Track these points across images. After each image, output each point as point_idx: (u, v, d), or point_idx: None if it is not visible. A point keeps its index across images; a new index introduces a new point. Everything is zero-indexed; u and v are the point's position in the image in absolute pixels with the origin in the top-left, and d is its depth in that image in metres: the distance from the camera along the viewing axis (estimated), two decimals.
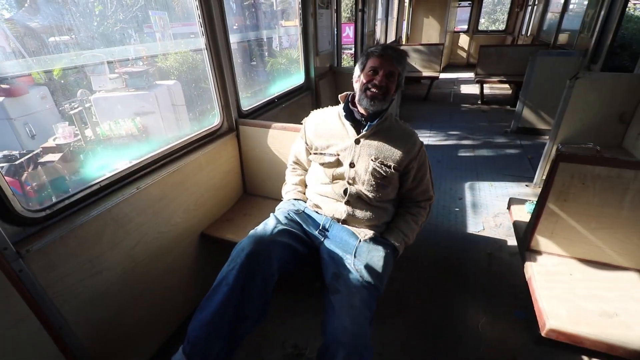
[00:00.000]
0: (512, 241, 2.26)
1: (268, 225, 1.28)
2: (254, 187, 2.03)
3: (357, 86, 1.33)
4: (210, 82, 1.73)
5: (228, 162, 1.87)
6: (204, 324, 1.06)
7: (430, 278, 2.00)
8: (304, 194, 1.52)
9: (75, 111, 3.87)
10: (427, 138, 4.18)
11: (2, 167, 3.38)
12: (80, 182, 1.23)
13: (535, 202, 1.78)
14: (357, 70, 1.33)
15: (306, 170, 1.55)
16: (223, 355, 1.07)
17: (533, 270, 1.39)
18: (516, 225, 1.74)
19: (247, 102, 2.13)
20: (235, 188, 1.97)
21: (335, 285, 1.16)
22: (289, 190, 1.55)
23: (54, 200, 1.12)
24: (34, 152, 3.59)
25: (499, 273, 2.02)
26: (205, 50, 1.65)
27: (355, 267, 1.21)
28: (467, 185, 3.00)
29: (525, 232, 1.54)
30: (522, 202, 1.87)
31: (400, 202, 1.47)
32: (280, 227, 1.27)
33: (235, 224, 1.79)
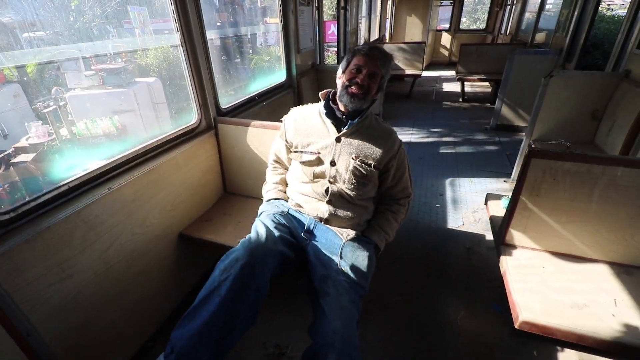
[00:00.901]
0: (490, 235, 2.32)
1: (260, 233, 1.25)
2: (234, 186, 2.00)
3: (339, 82, 1.32)
4: (186, 80, 1.69)
5: (207, 161, 1.84)
6: (192, 334, 1.02)
7: (412, 274, 2.03)
8: (285, 192, 1.51)
9: (49, 109, 3.73)
10: (410, 135, 4.23)
11: None
12: (55, 183, 1.18)
13: (510, 197, 1.84)
14: (341, 67, 1.32)
15: (287, 169, 1.54)
16: None
17: (507, 264, 1.43)
18: (492, 220, 1.78)
19: (229, 100, 2.10)
20: (214, 187, 1.94)
21: (325, 288, 1.15)
22: (269, 190, 1.54)
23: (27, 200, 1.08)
24: (6, 153, 3.45)
25: (477, 267, 2.06)
26: (181, 47, 1.61)
27: (342, 268, 1.21)
28: (447, 181, 3.05)
29: (500, 226, 1.57)
30: (498, 197, 1.92)
31: (379, 199, 1.48)
32: (272, 234, 1.25)
33: (215, 223, 1.77)
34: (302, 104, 1.49)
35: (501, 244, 1.53)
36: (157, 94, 4.49)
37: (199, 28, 1.65)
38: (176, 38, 1.58)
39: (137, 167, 1.41)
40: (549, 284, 1.32)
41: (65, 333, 1.19)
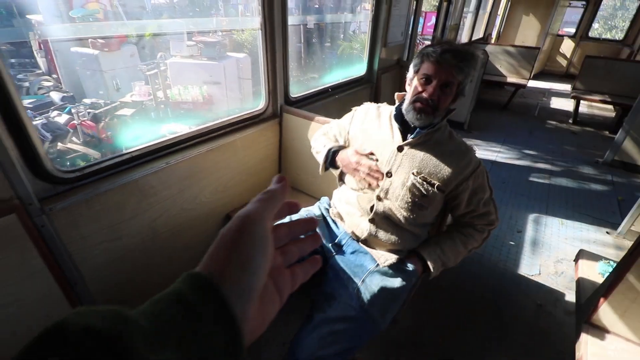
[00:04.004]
0: (571, 296, 1.90)
1: None
2: (289, 177, 1.96)
3: (408, 90, 1.14)
4: (260, 64, 1.66)
5: (266, 148, 1.82)
6: None
7: (461, 316, 1.78)
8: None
9: (152, 72, 4.16)
10: (496, 154, 3.72)
11: (89, 113, 3.81)
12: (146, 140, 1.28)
13: (612, 264, 1.45)
14: (410, 71, 1.13)
15: None
16: None
17: (587, 351, 1.12)
18: (580, 284, 1.43)
19: (302, 88, 2.04)
20: (269, 175, 1.92)
21: (323, 305, 1.06)
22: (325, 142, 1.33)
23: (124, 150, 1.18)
24: (113, 105, 3.98)
25: (546, 332, 1.71)
26: (261, 30, 1.57)
27: (359, 294, 1.07)
28: (531, 217, 2.60)
29: (589, 299, 1.25)
30: (595, 257, 1.53)
31: (454, 222, 1.27)
32: None
33: None
34: (379, 102, 1.32)
35: (585, 321, 1.21)
36: (245, 69, 4.69)
37: (280, 12, 1.59)
38: (257, 21, 1.55)
39: (196, 146, 1.44)
40: None
41: (108, 287, 1.29)
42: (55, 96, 4.17)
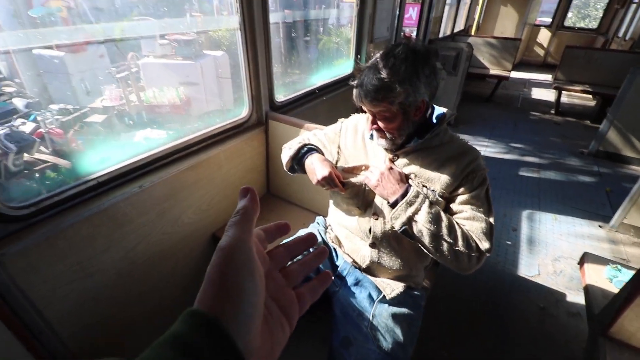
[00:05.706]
0: (572, 296, 1.88)
1: None
2: (278, 189, 1.83)
3: None
4: (241, 67, 1.52)
5: (252, 159, 1.68)
6: None
7: (463, 325, 1.71)
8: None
9: (123, 74, 3.90)
10: (484, 148, 3.71)
11: (57, 120, 3.53)
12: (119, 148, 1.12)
13: (619, 268, 1.41)
14: None
15: None
16: None
17: None
18: (589, 291, 1.38)
19: (287, 90, 1.90)
20: (257, 187, 1.78)
21: (344, 356, 0.94)
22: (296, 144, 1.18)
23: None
24: (82, 111, 3.70)
25: (550, 336, 1.67)
26: (240, 31, 1.42)
27: (374, 334, 0.97)
28: (525, 214, 2.57)
29: (603, 310, 1.19)
30: (600, 261, 1.49)
31: None
32: None
33: None
34: None
35: (602, 334, 1.15)
36: (223, 68, 4.48)
37: (261, 10, 1.44)
38: (235, 20, 1.40)
39: (174, 164, 1.29)
40: None
41: (81, 330, 1.13)
42: (19, 103, 3.85)
